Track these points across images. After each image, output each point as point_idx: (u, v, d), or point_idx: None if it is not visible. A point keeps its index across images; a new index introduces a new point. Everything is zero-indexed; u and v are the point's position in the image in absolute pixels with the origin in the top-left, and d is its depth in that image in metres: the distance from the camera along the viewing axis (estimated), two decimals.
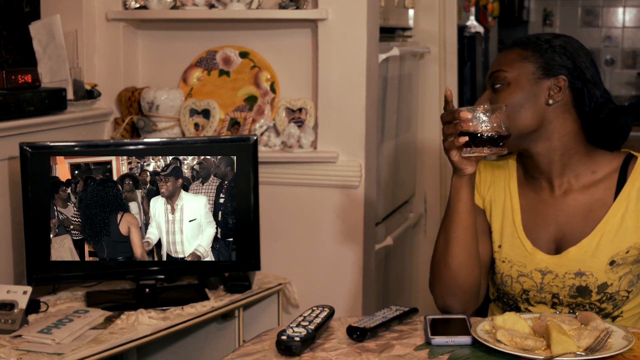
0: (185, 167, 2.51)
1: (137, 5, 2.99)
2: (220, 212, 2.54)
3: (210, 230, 2.52)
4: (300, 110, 2.91)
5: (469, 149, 1.66)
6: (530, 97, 1.77)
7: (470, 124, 1.64)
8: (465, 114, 1.64)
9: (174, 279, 2.74)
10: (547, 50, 1.79)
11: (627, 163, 1.82)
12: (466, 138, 1.64)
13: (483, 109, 1.64)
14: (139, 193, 2.49)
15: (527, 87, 1.78)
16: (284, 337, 1.54)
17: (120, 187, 2.47)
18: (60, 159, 2.43)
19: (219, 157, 2.53)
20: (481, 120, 1.64)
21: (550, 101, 1.78)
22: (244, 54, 2.98)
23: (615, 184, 1.80)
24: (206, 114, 2.94)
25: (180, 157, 2.50)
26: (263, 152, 2.83)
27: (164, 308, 2.48)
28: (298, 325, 1.59)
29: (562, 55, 1.79)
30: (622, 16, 6.71)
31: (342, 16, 2.81)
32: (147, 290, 2.56)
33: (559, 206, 1.83)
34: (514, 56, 1.80)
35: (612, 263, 1.77)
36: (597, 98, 1.79)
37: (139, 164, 2.48)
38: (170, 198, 2.50)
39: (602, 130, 1.81)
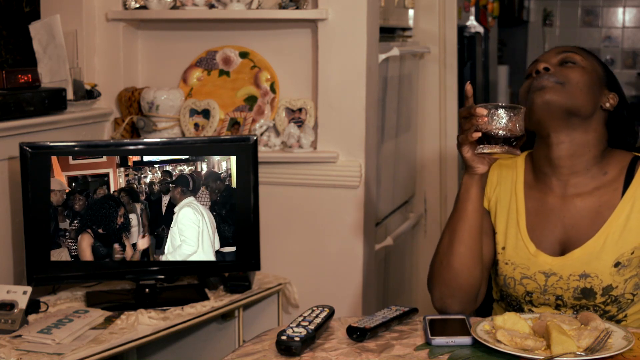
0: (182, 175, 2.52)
1: (137, 5, 2.99)
2: (219, 213, 2.54)
3: (209, 240, 2.53)
4: (300, 110, 2.91)
5: (482, 145, 1.66)
6: (595, 89, 1.82)
7: (486, 119, 1.64)
8: (482, 110, 1.64)
9: (174, 279, 2.74)
10: (609, 72, 1.89)
11: (634, 164, 1.82)
12: (479, 134, 1.64)
13: (501, 107, 1.64)
14: (137, 206, 2.49)
15: (595, 82, 1.82)
16: (284, 337, 1.54)
17: (118, 201, 2.47)
18: (57, 171, 2.43)
19: (215, 159, 2.53)
20: (497, 118, 1.64)
21: (608, 104, 1.84)
22: (244, 54, 2.98)
23: (622, 184, 1.80)
24: (206, 114, 2.94)
25: (176, 171, 2.51)
26: (263, 152, 2.83)
27: (164, 308, 2.48)
28: (298, 325, 1.59)
29: (616, 81, 1.90)
30: (622, 16, 6.71)
31: (342, 16, 2.81)
32: (147, 290, 2.56)
33: (566, 208, 1.82)
34: (585, 54, 1.86)
35: (617, 265, 1.77)
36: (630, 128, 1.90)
37: (137, 176, 2.49)
38: (176, 204, 2.51)
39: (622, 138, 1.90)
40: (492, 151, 1.65)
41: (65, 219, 2.43)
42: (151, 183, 2.50)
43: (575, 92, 1.77)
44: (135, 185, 2.49)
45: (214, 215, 2.53)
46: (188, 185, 2.51)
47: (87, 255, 2.45)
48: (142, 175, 2.49)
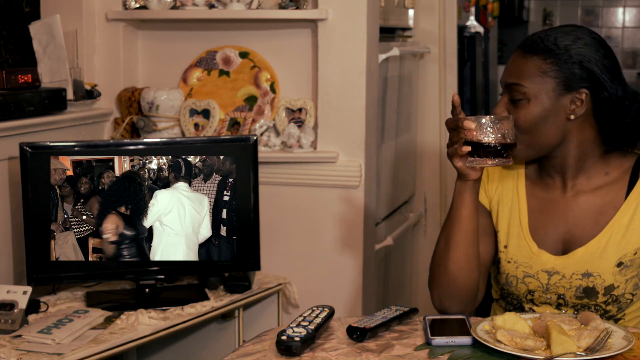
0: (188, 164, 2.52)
1: (137, 5, 2.99)
2: (222, 211, 2.54)
3: (205, 231, 2.53)
4: (300, 110, 2.91)
5: (472, 158, 1.65)
6: (551, 113, 1.73)
7: (474, 133, 1.62)
8: (469, 123, 1.62)
9: (174, 279, 2.74)
10: (567, 62, 1.73)
11: (639, 165, 1.81)
12: (469, 148, 1.63)
13: (488, 119, 1.63)
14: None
15: (548, 103, 1.73)
16: (284, 337, 1.54)
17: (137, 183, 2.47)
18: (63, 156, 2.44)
19: (221, 157, 2.53)
20: (485, 131, 1.62)
21: (572, 116, 1.74)
22: (244, 54, 2.98)
23: (626, 185, 1.79)
24: (206, 114, 2.94)
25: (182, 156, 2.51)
26: (263, 152, 2.83)
27: (164, 308, 2.48)
28: (298, 325, 1.59)
29: (582, 66, 1.73)
30: (622, 16, 6.71)
31: (342, 16, 2.81)
32: (147, 290, 2.56)
33: (569, 207, 1.82)
34: (532, 69, 1.73)
35: (619, 265, 1.77)
36: (621, 101, 1.76)
37: (141, 161, 2.49)
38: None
39: (626, 132, 1.78)
40: (483, 164, 1.65)
41: (70, 202, 2.43)
42: (158, 169, 2.50)
43: (529, 137, 1.73)
44: (139, 171, 2.49)
45: (216, 213, 2.53)
46: (180, 170, 2.50)
47: (111, 236, 2.44)
48: (147, 161, 2.49)
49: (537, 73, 1.73)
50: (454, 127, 1.66)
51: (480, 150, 1.63)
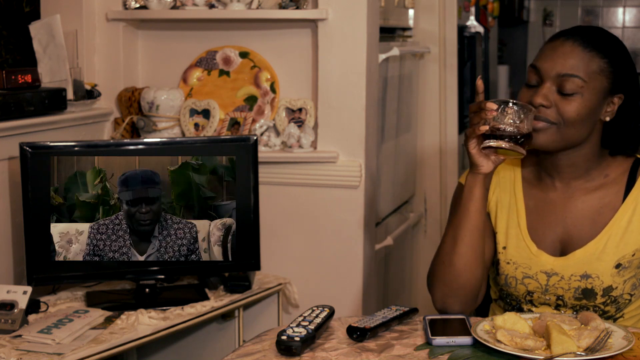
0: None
1: (137, 5, 2.99)
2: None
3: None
4: (300, 110, 2.91)
5: (488, 140, 1.66)
6: (593, 112, 1.74)
7: (495, 113, 1.64)
8: (492, 104, 1.64)
9: (174, 279, 2.74)
10: (621, 64, 1.75)
11: (636, 167, 1.81)
12: (487, 127, 1.64)
13: (511, 103, 1.64)
14: None
15: (596, 102, 1.74)
16: (284, 337, 1.54)
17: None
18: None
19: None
20: (507, 114, 1.64)
21: (607, 118, 1.77)
22: (244, 54, 2.98)
23: (624, 187, 1.80)
24: (206, 114, 2.94)
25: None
26: (263, 152, 2.83)
27: (164, 308, 2.48)
28: (298, 325, 1.59)
29: (627, 73, 1.76)
30: (622, 16, 6.71)
31: (342, 16, 2.81)
32: (147, 290, 2.56)
33: (567, 207, 1.82)
34: (594, 66, 1.73)
35: (618, 266, 1.77)
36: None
37: None
38: None
39: (629, 135, 1.80)
40: (498, 145, 1.65)
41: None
42: None
43: (569, 130, 1.73)
44: None
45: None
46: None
47: None
48: None
49: (597, 70, 1.73)
50: (476, 109, 1.67)
51: (498, 134, 1.64)
